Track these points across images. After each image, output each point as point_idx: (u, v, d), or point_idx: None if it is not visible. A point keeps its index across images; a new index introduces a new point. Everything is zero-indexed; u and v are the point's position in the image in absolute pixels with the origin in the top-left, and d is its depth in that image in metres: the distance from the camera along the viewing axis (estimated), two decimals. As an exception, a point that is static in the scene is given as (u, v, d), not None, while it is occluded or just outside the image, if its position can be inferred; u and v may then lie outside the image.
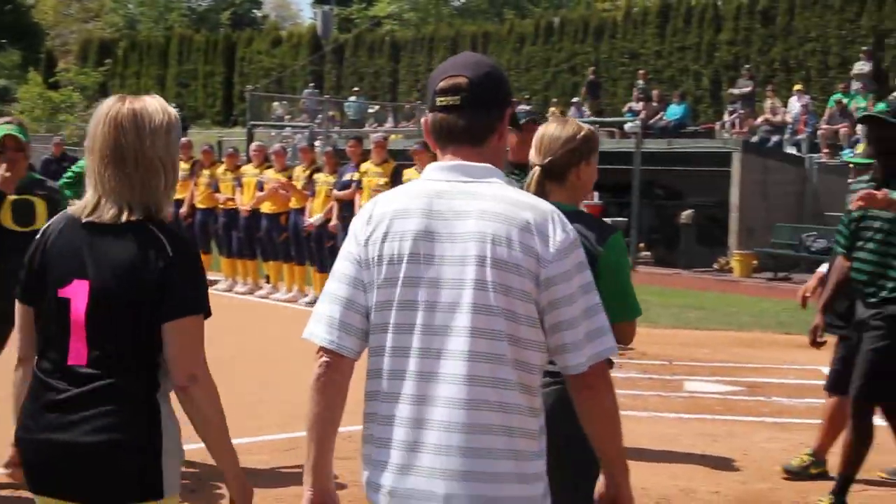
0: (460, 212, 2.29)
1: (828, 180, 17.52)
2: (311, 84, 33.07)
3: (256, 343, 10.47)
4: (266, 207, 13.44)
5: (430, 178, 2.37)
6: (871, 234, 5.14)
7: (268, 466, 6.05)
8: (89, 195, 2.64)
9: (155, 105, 2.66)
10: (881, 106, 5.28)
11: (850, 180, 5.33)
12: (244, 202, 13.61)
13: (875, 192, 4.57)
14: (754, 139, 20.60)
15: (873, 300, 5.13)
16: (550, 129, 3.46)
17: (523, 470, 2.27)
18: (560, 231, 2.29)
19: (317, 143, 22.36)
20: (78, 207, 2.66)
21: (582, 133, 3.42)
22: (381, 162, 12.12)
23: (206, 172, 14.14)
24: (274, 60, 37.10)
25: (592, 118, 25.89)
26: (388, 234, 2.32)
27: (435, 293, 2.27)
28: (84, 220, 2.62)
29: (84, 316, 2.59)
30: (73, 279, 2.61)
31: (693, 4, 27.56)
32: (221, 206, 13.98)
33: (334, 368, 2.34)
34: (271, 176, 13.32)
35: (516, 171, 6.55)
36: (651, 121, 23.12)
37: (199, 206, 14.21)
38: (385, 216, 2.34)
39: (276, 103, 31.94)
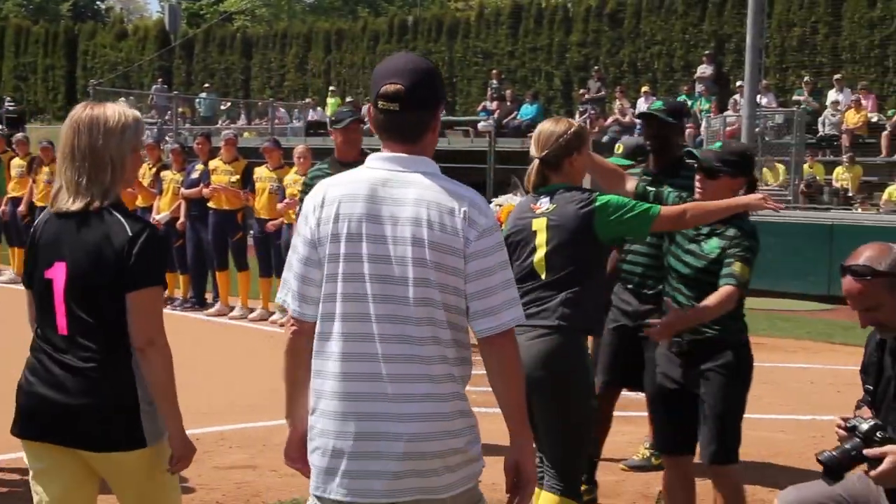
0: (399, 199, 2.69)
1: (673, 179, 18.01)
2: (160, 80, 32.19)
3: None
4: (111, 205, 12.98)
5: (372, 166, 2.78)
6: None
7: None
8: (55, 187, 3.17)
9: (113, 110, 3.17)
10: (658, 104, 5.33)
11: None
12: (88, 200, 13.12)
13: None
14: (605, 139, 21.06)
15: (650, 293, 5.20)
16: (546, 126, 4.12)
17: (462, 408, 2.75)
18: (482, 216, 2.71)
19: (168, 139, 21.78)
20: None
21: (572, 129, 4.08)
22: (231, 160, 11.81)
23: (45, 169, 13.50)
24: (119, 55, 35.91)
25: (446, 116, 26.05)
26: (339, 216, 2.71)
27: (380, 268, 2.68)
28: (53, 210, 3.15)
29: (63, 292, 3.09)
30: (55, 262, 3.12)
31: (544, 6, 27.99)
32: (63, 205, 13.48)
33: (301, 332, 2.80)
34: (117, 173, 12.87)
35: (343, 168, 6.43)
36: (505, 120, 23.41)
37: (39, 203, 13.54)
38: (335, 199, 2.73)
39: (122, 99, 30.93)
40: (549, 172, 4.10)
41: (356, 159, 6.57)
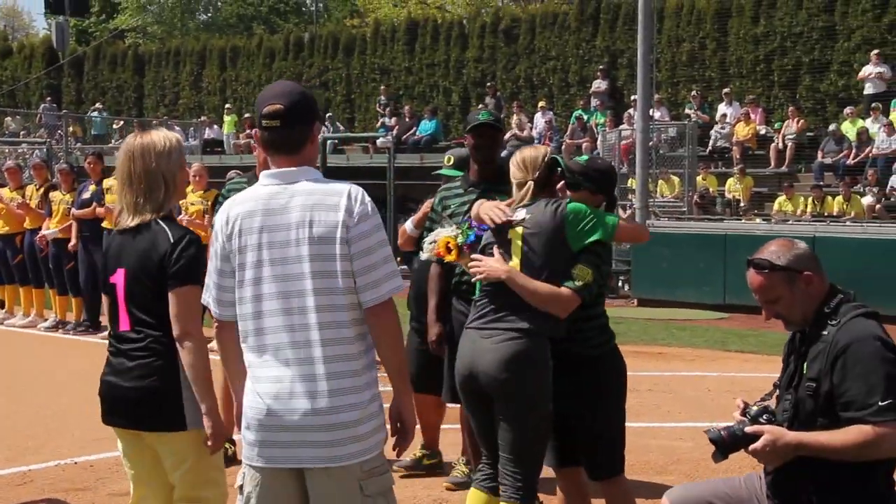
0: (288, 207, 3.16)
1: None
2: (48, 98, 31.35)
3: (-11, 374, 9.72)
4: (0, 228, 12.62)
5: (264, 183, 3.24)
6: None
7: (0, 506, 5.58)
8: (117, 209, 3.77)
9: (160, 135, 3.74)
10: (485, 114, 5.26)
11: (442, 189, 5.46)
12: (-29, 223, 12.77)
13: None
14: (503, 153, 21.17)
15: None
16: (528, 152, 4.47)
17: (367, 380, 3.18)
18: (359, 204, 3.16)
19: (60, 158, 21.20)
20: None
21: (550, 151, 4.52)
22: (125, 178, 11.54)
23: None
24: (4, 73, 34.89)
25: (345, 133, 25.97)
26: (242, 231, 3.19)
27: (280, 269, 3.14)
28: (116, 229, 3.76)
29: (124, 294, 3.67)
30: (117, 269, 3.70)
31: (439, 22, 28.12)
32: (-54, 228, 13.03)
33: (222, 328, 3.30)
34: (7, 195, 12.52)
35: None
36: (404, 136, 23.43)
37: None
38: (238, 216, 3.21)
39: (9, 118, 30.08)
40: (537, 191, 4.38)
41: None
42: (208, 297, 3.31)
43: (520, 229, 4.30)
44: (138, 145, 3.69)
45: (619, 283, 16.22)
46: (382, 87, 26.28)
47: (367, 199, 3.20)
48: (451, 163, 5.85)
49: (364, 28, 30.99)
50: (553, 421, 4.38)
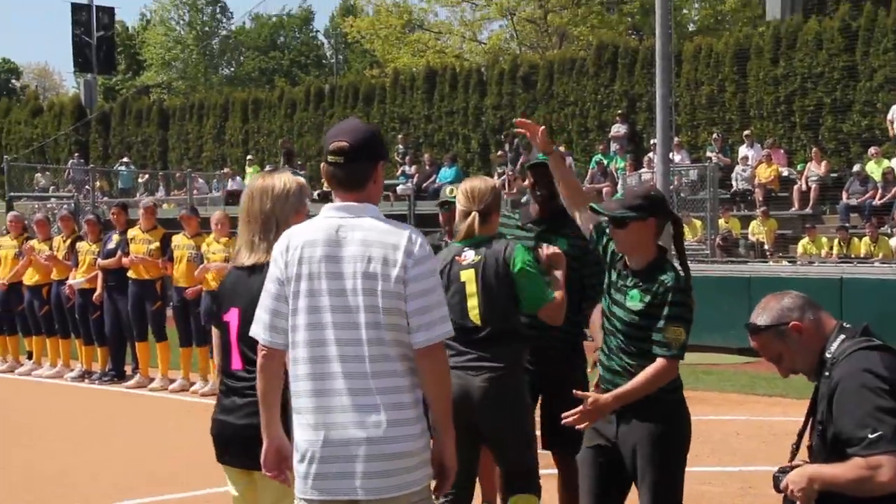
0: (349, 240, 3.22)
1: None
2: (77, 154, 31.74)
3: (18, 422, 9.75)
4: (28, 279, 12.75)
5: (327, 215, 3.30)
6: None
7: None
8: (237, 246, 3.87)
9: (282, 178, 3.79)
10: (541, 156, 5.17)
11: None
12: (1, 275, 12.93)
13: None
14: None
15: None
16: (476, 183, 4.60)
17: (416, 414, 3.21)
18: (417, 247, 3.21)
19: (87, 212, 21.43)
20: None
21: (496, 187, 4.66)
22: (149, 228, 11.64)
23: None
24: (35, 130, 35.39)
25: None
26: (302, 258, 3.22)
27: (337, 300, 3.18)
28: (234, 266, 3.85)
29: (237, 333, 3.67)
30: (231, 308, 3.74)
31: (458, 71, 28.32)
32: (-26, 281, 13.17)
33: (270, 357, 3.31)
34: (36, 246, 12.67)
35: None
36: (424, 184, 23.52)
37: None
38: (298, 245, 3.25)
39: (38, 174, 30.46)
40: (481, 222, 4.53)
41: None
42: (257, 326, 3.31)
43: (472, 271, 4.47)
44: (258, 186, 3.78)
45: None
46: (400, 136, 26.42)
47: (427, 243, 3.26)
48: (455, 194, 5.81)
49: (383, 78, 31.26)
50: (602, 465, 4.15)
